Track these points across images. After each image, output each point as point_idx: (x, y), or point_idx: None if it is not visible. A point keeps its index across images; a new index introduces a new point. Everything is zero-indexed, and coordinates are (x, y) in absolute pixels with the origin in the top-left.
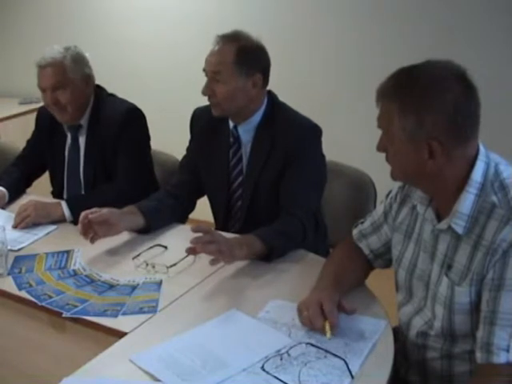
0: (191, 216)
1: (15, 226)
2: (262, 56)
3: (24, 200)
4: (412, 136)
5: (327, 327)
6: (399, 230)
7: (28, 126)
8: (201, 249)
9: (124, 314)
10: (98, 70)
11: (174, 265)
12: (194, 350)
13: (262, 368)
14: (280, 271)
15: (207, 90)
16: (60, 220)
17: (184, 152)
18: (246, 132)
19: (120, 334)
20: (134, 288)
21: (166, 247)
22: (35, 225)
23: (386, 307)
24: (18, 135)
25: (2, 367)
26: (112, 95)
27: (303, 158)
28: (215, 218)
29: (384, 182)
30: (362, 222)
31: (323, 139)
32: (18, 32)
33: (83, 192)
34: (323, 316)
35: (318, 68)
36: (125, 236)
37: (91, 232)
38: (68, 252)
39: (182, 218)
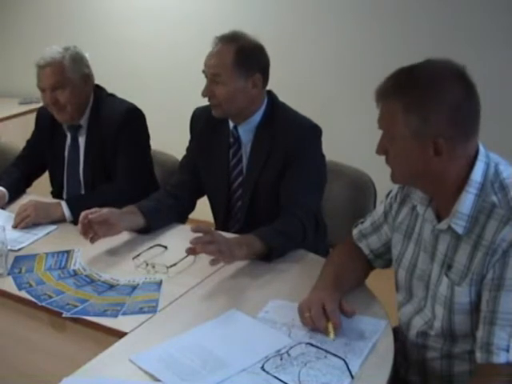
0: (191, 216)
1: (15, 226)
2: (261, 56)
3: (24, 200)
4: (417, 133)
5: (330, 328)
6: (399, 230)
7: (28, 125)
8: (201, 249)
9: (124, 314)
10: (98, 69)
11: (174, 265)
12: (194, 350)
13: (262, 368)
14: (280, 271)
15: (207, 92)
16: (60, 220)
17: (184, 152)
18: (246, 132)
19: (120, 334)
20: (133, 288)
21: (165, 247)
22: (35, 225)
23: (386, 307)
24: (17, 135)
25: (2, 367)
26: (112, 95)
27: (303, 158)
28: (215, 219)
29: (384, 182)
30: (362, 222)
31: (323, 139)
32: (17, 32)
33: (83, 192)
34: (325, 316)
35: (318, 68)
36: (125, 236)
37: (91, 232)
38: (68, 252)
39: (182, 218)
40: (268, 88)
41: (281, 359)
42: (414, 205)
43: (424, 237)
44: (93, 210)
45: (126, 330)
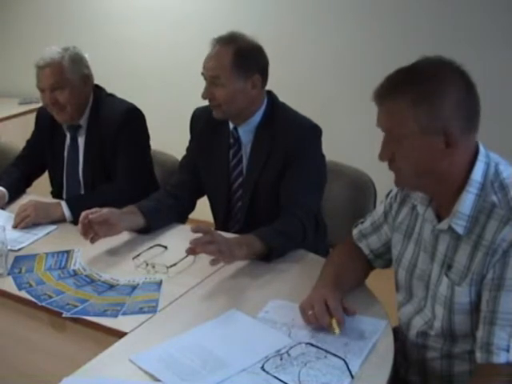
0: (191, 216)
1: (15, 226)
2: (260, 56)
3: (24, 200)
4: (427, 127)
5: (334, 324)
6: (399, 230)
7: (28, 126)
8: (201, 249)
9: (124, 314)
10: (98, 69)
11: (174, 265)
12: (194, 350)
13: (262, 368)
14: (280, 271)
15: (207, 94)
16: (60, 220)
17: (184, 152)
18: (246, 133)
19: (120, 334)
20: (133, 288)
21: (165, 247)
22: (35, 225)
23: (386, 307)
24: (17, 135)
25: (2, 367)
26: (111, 95)
27: (303, 158)
28: (215, 219)
29: (384, 182)
30: (362, 222)
31: (323, 139)
32: (17, 32)
33: (82, 192)
34: (329, 313)
35: (318, 68)
36: (125, 236)
37: (91, 232)
38: (68, 252)
39: (182, 218)
40: (268, 88)
41: (281, 359)
42: (414, 205)
43: (424, 237)
44: (93, 210)
45: (126, 330)
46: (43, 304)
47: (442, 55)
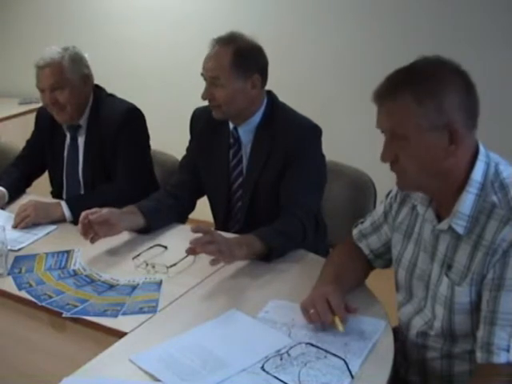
0: (191, 216)
1: (15, 226)
2: (259, 56)
3: (24, 200)
4: (433, 123)
5: (338, 321)
6: (399, 230)
7: (28, 126)
8: (201, 249)
9: (124, 314)
10: (98, 69)
11: (174, 265)
12: (194, 350)
13: (262, 368)
14: (280, 271)
15: (207, 95)
16: (60, 220)
17: (184, 152)
18: (246, 133)
19: (120, 334)
20: (133, 288)
21: (165, 247)
22: (35, 225)
23: (386, 307)
24: (17, 135)
25: (2, 367)
26: (111, 95)
27: (303, 158)
28: (215, 219)
29: (384, 182)
30: (362, 222)
31: (323, 139)
32: (18, 32)
33: (82, 192)
34: (331, 311)
35: (318, 68)
36: (125, 236)
37: (91, 232)
38: (68, 252)
39: (182, 218)
40: (268, 88)
41: (281, 359)
42: (414, 205)
43: (424, 237)
44: (93, 210)
45: (126, 330)
46: (43, 304)
47: (442, 55)
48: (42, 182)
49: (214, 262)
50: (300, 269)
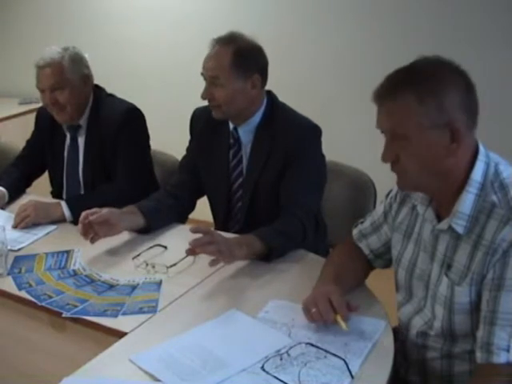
0: (191, 216)
1: (15, 226)
2: (259, 56)
3: (24, 200)
4: (434, 122)
5: (340, 319)
6: (399, 230)
7: (28, 126)
8: (200, 249)
9: (124, 314)
10: (98, 69)
11: (174, 265)
12: (194, 350)
13: (262, 368)
14: (280, 271)
15: (206, 95)
16: (60, 220)
17: (184, 152)
18: (246, 133)
19: (120, 334)
20: (133, 288)
21: (165, 247)
22: (35, 225)
23: (386, 307)
24: (17, 135)
25: (2, 367)
26: (111, 95)
27: (303, 158)
28: (215, 219)
29: (384, 182)
30: (362, 222)
31: (323, 139)
32: (18, 32)
33: (82, 192)
34: (333, 309)
35: (318, 68)
36: (125, 236)
37: (91, 232)
38: (68, 252)
39: (182, 218)
40: (268, 88)
41: (281, 359)
42: (413, 205)
43: (424, 237)
44: (93, 210)
45: (126, 330)
46: (43, 304)
47: (442, 55)
48: (42, 182)
49: (213, 263)
50: (300, 269)
